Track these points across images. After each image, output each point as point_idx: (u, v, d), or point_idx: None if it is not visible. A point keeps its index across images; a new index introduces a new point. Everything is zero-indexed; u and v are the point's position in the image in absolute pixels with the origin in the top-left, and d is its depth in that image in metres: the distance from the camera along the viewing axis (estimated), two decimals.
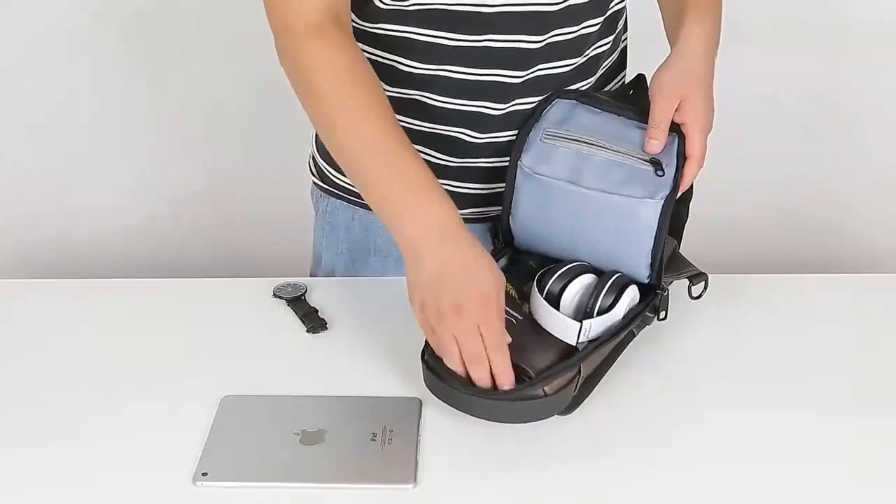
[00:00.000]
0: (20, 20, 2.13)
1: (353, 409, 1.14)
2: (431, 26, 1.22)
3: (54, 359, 1.24)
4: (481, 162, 1.31)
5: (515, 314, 1.17)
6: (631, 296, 1.18)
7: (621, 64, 1.40)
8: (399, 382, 1.17)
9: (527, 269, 1.25)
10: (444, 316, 1.06)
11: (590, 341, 1.14)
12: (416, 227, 1.11)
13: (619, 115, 1.22)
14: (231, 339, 1.27)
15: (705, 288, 1.25)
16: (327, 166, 1.39)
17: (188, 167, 2.32)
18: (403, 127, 1.28)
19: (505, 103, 1.26)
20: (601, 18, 1.27)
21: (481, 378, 1.06)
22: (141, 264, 2.33)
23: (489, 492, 1.04)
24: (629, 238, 1.19)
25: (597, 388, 1.14)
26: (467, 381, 1.08)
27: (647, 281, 1.21)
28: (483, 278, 1.09)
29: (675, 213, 1.20)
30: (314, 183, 1.45)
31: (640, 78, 1.31)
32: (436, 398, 1.11)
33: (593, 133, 1.21)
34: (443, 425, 1.12)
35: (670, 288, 1.23)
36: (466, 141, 1.29)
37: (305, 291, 1.33)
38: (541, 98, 1.26)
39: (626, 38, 1.39)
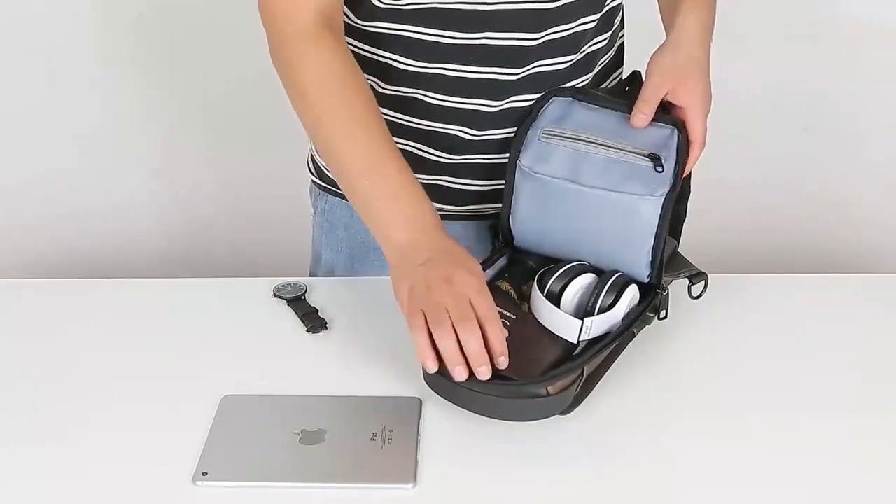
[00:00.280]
0: (23, 21, 2.13)
1: (353, 409, 1.14)
2: (428, 24, 1.22)
3: (54, 359, 1.24)
4: (479, 158, 1.31)
5: (511, 314, 1.17)
6: (631, 295, 1.18)
7: (618, 60, 1.40)
8: (399, 382, 1.17)
9: (527, 268, 1.25)
10: (435, 288, 1.07)
11: (592, 341, 1.15)
12: (403, 232, 1.14)
13: (617, 111, 1.22)
14: (231, 339, 1.27)
15: (705, 288, 1.25)
16: (325, 165, 1.39)
17: (188, 167, 2.32)
18: (400, 124, 1.29)
19: (501, 100, 1.27)
20: (597, 15, 1.27)
21: (474, 349, 1.04)
22: (141, 264, 2.33)
23: (489, 492, 1.04)
24: (630, 236, 1.19)
25: (597, 387, 1.14)
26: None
27: (647, 280, 1.21)
28: (470, 262, 1.12)
29: (674, 212, 1.21)
30: (312, 181, 1.45)
31: (635, 74, 1.31)
32: (436, 397, 1.11)
33: (591, 130, 1.21)
34: (443, 425, 1.12)
35: (670, 288, 1.23)
36: (463, 138, 1.29)
37: (305, 291, 1.33)
38: (537, 95, 1.26)
39: (622, 35, 1.39)
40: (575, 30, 1.25)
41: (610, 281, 1.17)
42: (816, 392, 1.18)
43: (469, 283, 1.08)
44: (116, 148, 2.29)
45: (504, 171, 1.26)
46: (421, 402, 1.14)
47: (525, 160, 1.23)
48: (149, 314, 1.33)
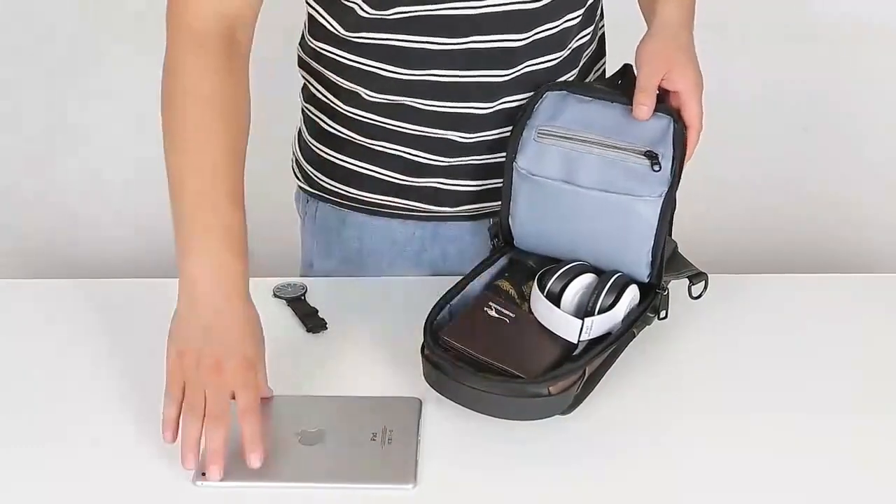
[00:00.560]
0: (15, 21, 2.13)
1: (353, 409, 1.14)
2: (415, 32, 1.21)
3: (54, 358, 1.24)
4: (473, 160, 1.31)
5: (511, 313, 1.17)
6: (631, 295, 1.18)
7: (600, 52, 1.40)
8: (399, 382, 1.17)
9: (527, 268, 1.25)
10: (203, 370, 1.04)
11: (592, 341, 1.15)
12: (204, 273, 1.07)
13: (612, 102, 1.22)
14: None
15: (705, 288, 1.24)
16: (313, 170, 1.39)
17: None
18: (391, 129, 1.28)
19: (492, 102, 1.26)
20: (581, 10, 1.27)
21: (213, 446, 1.02)
22: (141, 264, 2.33)
23: (489, 492, 1.04)
24: (629, 237, 1.19)
25: (597, 387, 1.14)
26: (470, 374, 1.08)
27: (647, 280, 1.21)
28: (250, 346, 1.07)
29: None
30: (300, 187, 1.44)
31: (626, 67, 1.32)
32: (436, 397, 1.12)
33: (587, 127, 1.20)
34: (443, 425, 1.12)
35: (670, 288, 1.23)
36: (456, 141, 1.29)
37: (305, 291, 1.33)
38: (528, 95, 1.26)
39: (602, 26, 1.39)
40: (561, 27, 1.25)
41: (610, 281, 1.17)
42: (816, 392, 1.18)
43: (237, 376, 1.04)
44: (116, 148, 2.29)
45: (498, 171, 1.26)
46: (421, 402, 1.14)
47: (521, 162, 1.22)
48: (149, 314, 1.33)
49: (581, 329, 1.14)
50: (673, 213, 1.26)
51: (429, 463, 1.07)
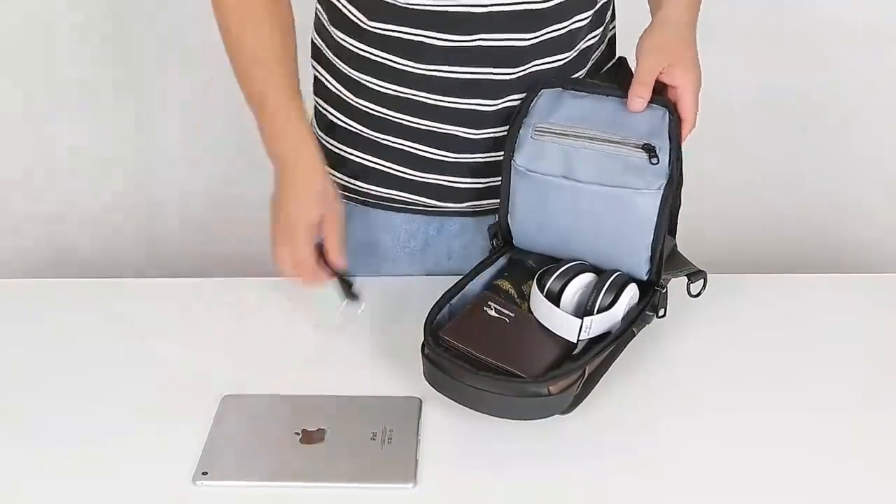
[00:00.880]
0: (9, 15, 2.13)
1: (353, 409, 1.14)
2: (424, 26, 1.22)
3: (54, 359, 1.24)
4: (478, 157, 1.31)
5: (511, 313, 1.17)
6: (630, 294, 1.18)
7: (610, 54, 1.40)
8: (399, 382, 1.17)
9: (526, 268, 1.25)
10: (279, 233, 1.25)
11: (592, 341, 1.15)
12: (285, 150, 1.25)
13: (608, 96, 1.22)
14: (231, 338, 1.27)
15: (704, 286, 1.24)
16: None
17: (188, 166, 2.32)
18: (399, 124, 1.29)
19: (499, 100, 1.27)
20: (591, 12, 1.27)
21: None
22: (141, 264, 2.33)
23: (489, 491, 1.04)
24: (628, 231, 1.19)
25: (596, 387, 1.14)
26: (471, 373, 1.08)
27: (646, 277, 1.21)
28: (310, 209, 1.24)
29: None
30: None
31: (621, 60, 1.31)
32: (436, 397, 1.12)
33: (583, 122, 1.20)
34: (443, 425, 1.12)
35: (669, 288, 1.23)
36: (462, 137, 1.29)
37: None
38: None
39: (613, 27, 1.39)
40: (570, 28, 1.26)
41: (609, 280, 1.17)
42: (816, 391, 1.18)
43: (301, 238, 1.23)
44: (116, 147, 2.29)
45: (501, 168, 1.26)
46: (421, 402, 1.14)
47: (519, 159, 1.22)
48: (149, 314, 1.33)
49: (580, 328, 1.14)
50: (678, 212, 1.26)
51: (429, 463, 1.07)
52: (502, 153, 1.26)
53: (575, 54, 1.28)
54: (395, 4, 1.22)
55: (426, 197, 1.34)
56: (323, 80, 1.35)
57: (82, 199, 2.32)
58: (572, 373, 1.09)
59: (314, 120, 1.40)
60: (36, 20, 2.13)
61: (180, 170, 2.33)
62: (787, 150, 2.30)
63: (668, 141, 1.17)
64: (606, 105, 1.21)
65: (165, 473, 1.06)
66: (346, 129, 1.34)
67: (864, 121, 2.27)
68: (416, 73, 1.26)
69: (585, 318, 1.14)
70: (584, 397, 1.12)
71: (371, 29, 1.26)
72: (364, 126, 1.32)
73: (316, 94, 1.38)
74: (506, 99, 1.27)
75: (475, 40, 1.23)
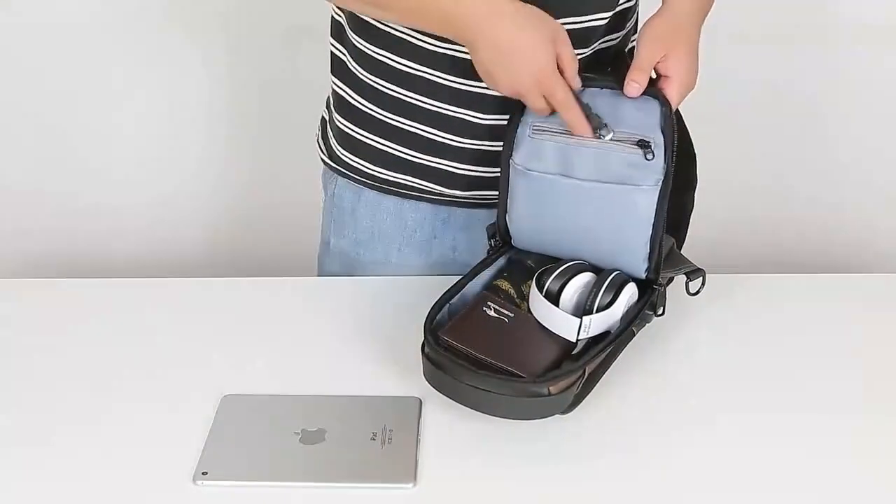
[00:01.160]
0: (30, 16, 2.13)
1: (353, 408, 1.15)
2: None
3: (54, 358, 1.24)
4: (484, 145, 1.32)
5: (510, 313, 1.17)
6: (629, 293, 1.18)
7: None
8: (399, 382, 1.17)
9: (525, 268, 1.26)
10: (510, 91, 1.17)
11: (592, 341, 1.15)
12: (462, 16, 1.14)
13: (602, 88, 1.20)
14: (232, 338, 1.27)
15: (703, 284, 1.25)
16: (335, 144, 1.41)
17: (188, 167, 2.32)
18: (409, 103, 1.31)
19: None
20: (610, 13, 1.27)
21: (572, 117, 1.17)
22: (141, 264, 2.33)
23: (489, 492, 1.04)
24: (626, 228, 1.19)
25: (596, 387, 1.14)
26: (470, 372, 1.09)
27: (644, 275, 1.21)
28: (535, 56, 1.14)
29: (681, 203, 1.20)
30: (322, 161, 1.46)
31: (617, 50, 1.31)
32: (436, 397, 1.12)
33: None
34: (443, 425, 1.12)
35: (669, 288, 1.23)
36: (471, 122, 1.30)
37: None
38: None
39: (634, 38, 1.39)
40: (586, 24, 1.25)
41: (608, 279, 1.17)
42: (816, 391, 1.18)
43: (535, 88, 1.15)
44: (115, 147, 2.29)
45: None
46: (421, 402, 1.14)
47: (518, 158, 1.23)
48: (149, 314, 1.33)
49: (580, 327, 1.14)
50: (690, 213, 1.26)
51: (429, 462, 1.07)
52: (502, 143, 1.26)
53: (588, 53, 1.28)
54: None
55: (431, 182, 1.35)
56: (340, 57, 1.36)
57: (83, 199, 2.33)
58: (572, 373, 1.09)
59: (331, 98, 1.41)
60: (52, 9, 2.13)
61: (179, 170, 2.33)
62: (786, 149, 2.30)
63: (661, 135, 1.17)
64: (601, 98, 1.20)
65: (165, 473, 1.06)
66: (358, 108, 1.35)
67: (865, 121, 2.27)
68: (428, 50, 1.26)
69: (584, 318, 1.14)
70: (584, 397, 1.12)
71: None
72: (375, 105, 1.33)
73: (332, 72, 1.39)
74: None
75: None
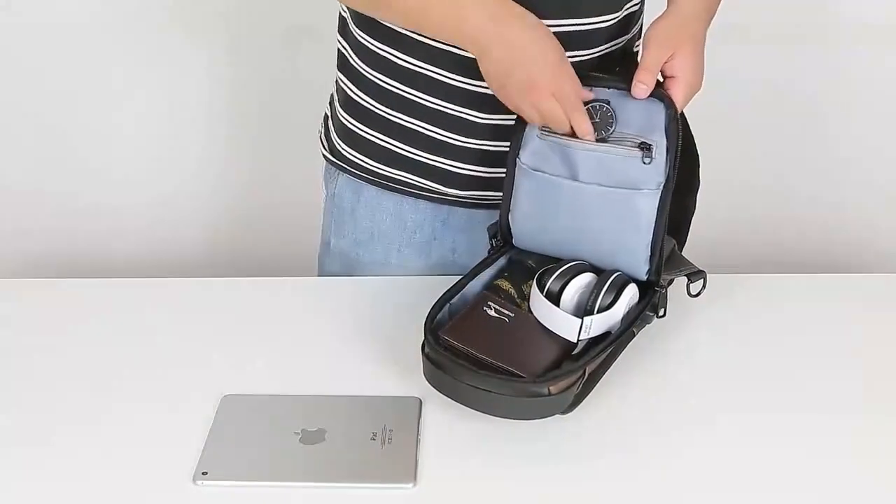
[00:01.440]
0: (30, 16, 2.13)
1: (353, 408, 1.15)
2: None
3: (54, 358, 1.24)
4: (485, 144, 1.32)
5: (510, 313, 1.17)
6: (630, 294, 1.18)
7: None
8: (399, 382, 1.17)
9: (526, 268, 1.25)
10: (523, 91, 1.16)
11: (592, 341, 1.15)
12: (471, 22, 1.16)
13: (609, 88, 1.20)
14: (231, 338, 1.27)
15: (704, 286, 1.25)
16: (337, 139, 1.41)
17: (188, 167, 2.32)
18: (410, 100, 1.31)
19: None
20: (614, 15, 1.27)
21: (581, 126, 1.18)
22: (141, 264, 2.33)
23: (489, 492, 1.04)
24: (627, 231, 1.19)
25: (596, 387, 1.14)
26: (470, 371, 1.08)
27: (645, 277, 1.21)
28: (548, 51, 1.16)
29: (683, 205, 1.20)
30: (324, 157, 1.46)
31: (626, 50, 1.31)
32: (436, 397, 1.12)
33: None
34: (443, 425, 1.12)
35: (669, 289, 1.23)
36: (471, 121, 1.30)
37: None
38: None
39: (639, 44, 1.39)
40: (588, 27, 1.25)
41: (609, 280, 1.17)
42: (816, 391, 1.18)
43: (551, 83, 1.16)
44: (115, 147, 2.29)
45: (505, 160, 1.26)
46: (421, 402, 1.14)
47: (525, 158, 1.23)
48: (149, 314, 1.33)
49: (580, 328, 1.14)
50: (692, 216, 1.26)
51: (429, 462, 1.07)
52: (504, 143, 1.26)
53: (592, 57, 1.28)
54: None
55: (431, 181, 1.35)
56: (345, 52, 1.37)
57: (83, 199, 2.33)
58: (572, 373, 1.09)
59: (335, 94, 1.41)
60: (51, 10, 2.12)
61: (178, 170, 2.33)
62: (786, 149, 2.30)
63: (664, 138, 1.17)
64: (608, 97, 1.20)
65: (165, 473, 1.06)
66: (360, 104, 1.36)
67: (865, 121, 2.27)
68: (431, 47, 1.26)
69: (585, 318, 1.14)
70: (584, 397, 1.12)
71: None
72: (378, 102, 1.34)
73: (338, 67, 1.39)
74: None
75: None
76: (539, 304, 1.17)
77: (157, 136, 2.29)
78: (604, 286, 1.16)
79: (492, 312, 1.18)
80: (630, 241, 1.20)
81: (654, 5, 1.33)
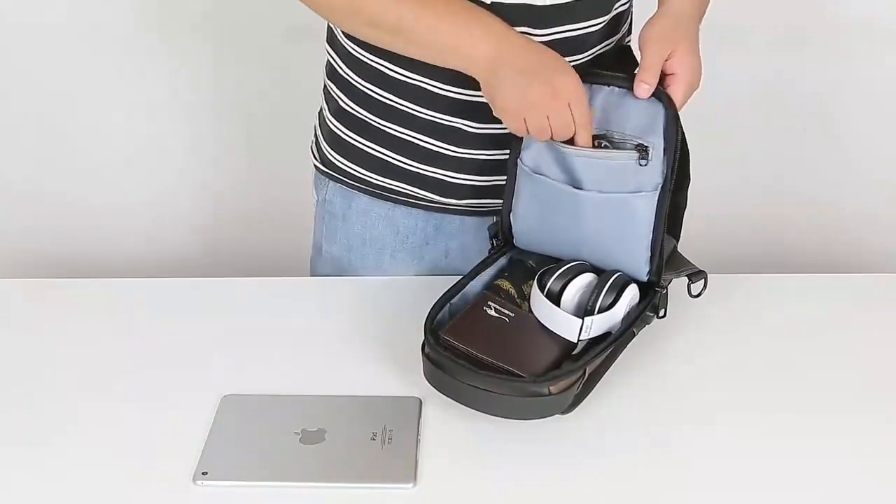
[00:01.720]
0: (30, 16, 2.13)
1: (353, 408, 1.15)
2: None
3: (54, 358, 1.24)
4: (480, 154, 1.31)
5: (511, 313, 1.17)
6: (631, 295, 1.18)
7: None
8: (399, 382, 1.17)
9: (527, 268, 1.26)
10: (542, 100, 1.14)
11: (592, 341, 1.15)
12: (484, 45, 1.16)
13: (609, 85, 1.20)
14: (231, 338, 1.27)
15: (704, 286, 1.25)
16: (329, 148, 1.40)
17: (188, 168, 2.32)
18: (405, 112, 1.29)
19: None
20: (605, 17, 1.27)
21: (583, 138, 1.17)
22: (141, 264, 2.33)
23: (489, 492, 1.04)
24: (627, 232, 1.19)
25: (596, 387, 1.14)
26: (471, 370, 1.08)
27: (646, 278, 1.21)
28: (561, 63, 1.17)
29: (674, 203, 1.20)
30: (315, 167, 1.45)
31: (624, 48, 1.31)
32: (436, 397, 1.12)
33: None
34: (443, 425, 1.12)
35: (670, 288, 1.23)
36: (466, 131, 1.29)
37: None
38: None
39: (629, 41, 1.39)
40: (582, 31, 1.25)
41: (610, 280, 1.17)
42: (816, 391, 1.18)
43: (570, 91, 1.15)
44: (115, 147, 2.29)
45: (502, 168, 1.26)
46: (421, 402, 1.14)
47: (526, 160, 1.23)
48: (149, 314, 1.33)
49: (581, 328, 1.14)
50: (684, 211, 1.26)
51: (429, 463, 1.07)
52: (503, 151, 1.26)
53: (587, 58, 1.28)
54: None
55: (427, 191, 1.35)
56: (334, 63, 1.36)
57: (83, 199, 2.33)
58: (572, 373, 1.09)
59: (325, 104, 1.41)
60: (53, 11, 2.13)
61: (177, 170, 2.33)
62: (787, 150, 2.30)
63: (662, 139, 1.17)
64: (609, 98, 1.20)
65: (165, 473, 1.06)
66: (353, 115, 1.35)
67: (865, 121, 2.27)
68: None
69: (586, 319, 1.14)
70: (584, 397, 1.12)
71: None
72: (371, 113, 1.33)
73: (328, 77, 1.39)
74: None
75: None
76: (539, 304, 1.17)
77: (157, 137, 2.29)
78: (604, 286, 1.16)
79: (492, 312, 1.18)
80: (630, 242, 1.20)
81: (641, 3, 1.34)
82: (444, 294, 1.20)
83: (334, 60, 1.36)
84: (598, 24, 1.26)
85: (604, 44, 1.30)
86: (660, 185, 1.17)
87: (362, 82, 1.32)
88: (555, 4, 1.21)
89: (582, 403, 1.12)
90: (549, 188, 1.21)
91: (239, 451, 1.08)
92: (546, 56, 1.17)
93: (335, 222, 1.42)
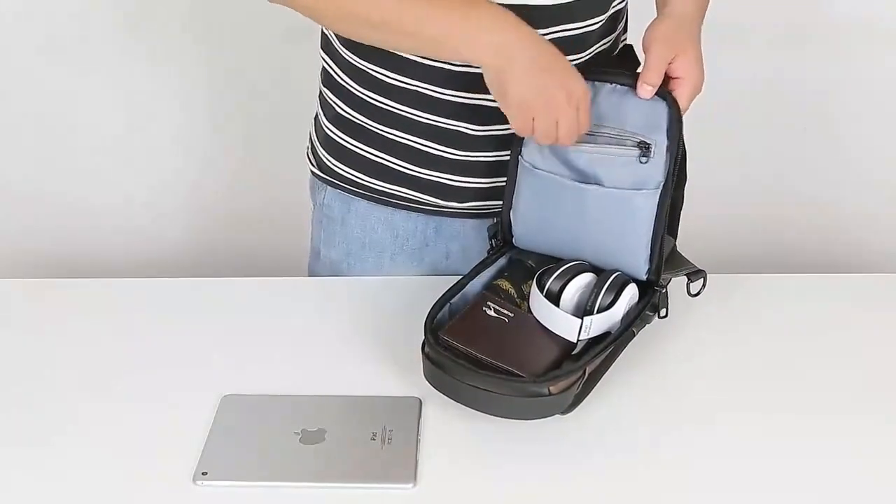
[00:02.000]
0: (30, 16, 2.13)
1: (353, 408, 1.15)
2: None
3: (54, 358, 1.24)
4: (481, 156, 1.31)
5: (510, 313, 1.17)
6: (630, 294, 1.18)
7: None
8: (399, 382, 1.17)
9: (526, 268, 1.26)
10: (557, 102, 1.12)
11: (592, 341, 1.15)
12: (487, 39, 1.12)
13: (612, 83, 1.20)
14: (231, 338, 1.27)
15: (704, 285, 1.25)
16: (326, 154, 1.40)
17: (186, 167, 2.32)
18: (405, 117, 1.29)
19: None
20: (604, 16, 1.27)
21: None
22: (141, 264, 2.33)
23: (489, 492, 1.04)
24: (627, 230, 1.19)
25: (596, 387, 1.14)
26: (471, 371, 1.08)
27: (645, 276, 1.21)
28: (574, 70, 1.15)
29: (672, 200, 1.20)
30: (312, 173, 1.45)
31: (627, 48, 1.31)
32: (436, 397, 1.12)
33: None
34: (443, 425, 1.12)
35: (669, 288, 1.23)
36: (467, 134, 1.29)
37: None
38: None
39: (625, 39, 1.39)
40: (581, 30, 1.25)
41: (609, 280, 1.17)
42: (816, 391, 1.18)
43: (580, 96, 1.14)
44: (115, 147, 2.29)
45: (505, 169, 1.26)
46: (421, 402, 1.14)
47: (527, 155, 1.23)
48: (149, 314, 1.33)
49: (580, 328, 1.14)
50: (680, 210, 1.26)
51: (429, 463, 1.07)
52: (505, 152, 1.26)
53: (587, 57, 1.28)
54: None
55: (428, 195, 1.35)
56: (330, 70, 1.36)
57: (83, 199, 2.33)
58: (572, 373, 1.09)
59: (321, 110, 1.40)
60: (43, 11, 2.13)
61: (176, 170, 2.33)
62: (787, 149, 2.30)
63: (665, 137, 1.17)
64: (610, 96, 1.20)
65: (165, 473, 1.06)
66: (351, 121, 1.34)
67: (865, 121, 2.27)
68: (421, 64, 1.26)
69: (585, 318, 1.14)
70: (585, 397, 1.12)
71: None
72: (369, 119, 1.33)
73: (324, 84, 1.39)
74: None
75: None
76: (539, 304, 1.17)
77: (157, 137, 2.29)
78: (604, 286, 1.16)
79: (491, 312, 1.18)
80: (630, 240, 1.20)
81: (636, 1, 1.34)
82: (443, 294, 1.20)
83: (330, 68, 1.35)
84: (596, 23, 1.26)
85: (601, 42, 1.30)
86: (661, 184, 1.17)
87: (361, 89, 1.31)
88: (554, 4, 1.21)
89: (582, 403, 1.12)
90: (550, 183, 1.21)
91: (239, 451, 1.08)
92: (556, 55, 1.14)
93: (333, 227, 1.42)
